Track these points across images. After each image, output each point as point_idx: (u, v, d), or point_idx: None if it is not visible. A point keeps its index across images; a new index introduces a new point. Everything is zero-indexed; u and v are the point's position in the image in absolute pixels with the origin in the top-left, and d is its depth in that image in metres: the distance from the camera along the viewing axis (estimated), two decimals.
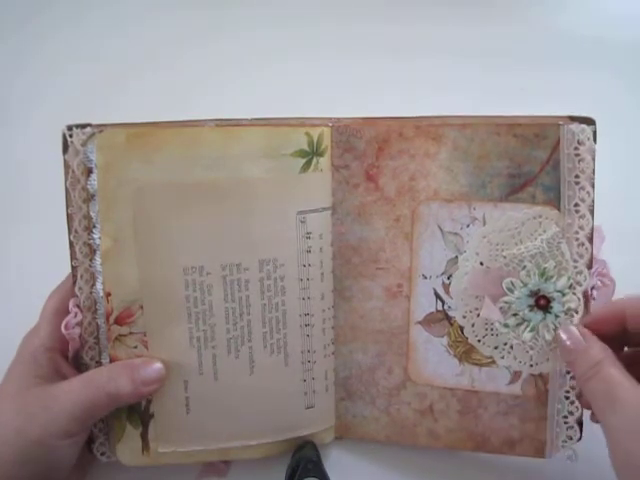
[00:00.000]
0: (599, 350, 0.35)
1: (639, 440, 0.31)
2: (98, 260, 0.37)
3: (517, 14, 0.57)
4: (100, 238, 0.37)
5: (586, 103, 0.50)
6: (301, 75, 0.53)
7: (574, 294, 0.37)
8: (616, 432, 0.32)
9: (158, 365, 0.37)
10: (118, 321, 0.38)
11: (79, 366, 0.39)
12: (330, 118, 0.40)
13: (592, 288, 0.38)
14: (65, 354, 0.38)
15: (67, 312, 0.38)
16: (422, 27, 0.55)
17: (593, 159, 0.37)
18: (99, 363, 0.38)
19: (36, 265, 0.47)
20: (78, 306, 0.37)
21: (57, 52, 0.54)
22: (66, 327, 0.37)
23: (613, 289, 0.40)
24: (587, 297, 0.38)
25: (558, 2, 0.57)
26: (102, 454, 0.39)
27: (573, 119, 0.38)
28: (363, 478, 0.44)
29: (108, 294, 0.37)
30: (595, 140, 0.37)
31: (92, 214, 0.37)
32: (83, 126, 0.37)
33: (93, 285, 0.38)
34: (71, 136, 0.36)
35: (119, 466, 0.40)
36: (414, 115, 0.40)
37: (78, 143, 0.36)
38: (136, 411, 0.38)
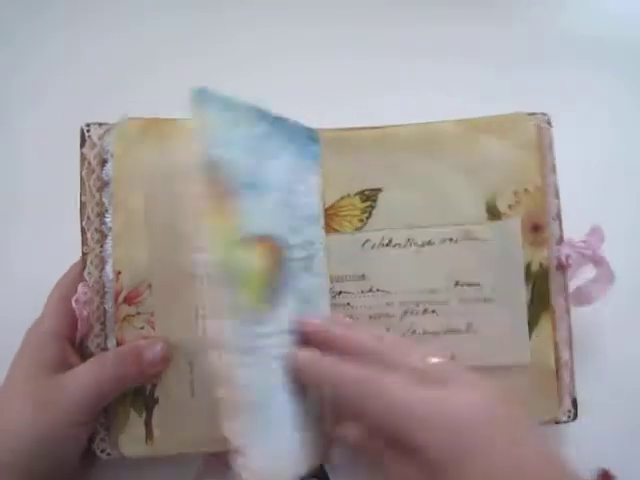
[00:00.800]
0: None
1: None
2: (109, 243, 0.39)
3: (517, 14, 0.57)
4: (112, 221, 0.39)
5: (586, 103, 0.51)
6: (300, 75, 0.54)
7: None
8: None
9: (163, 345, 0.39)
10: (127, 300, 0.39)
11: (84, 354, 0.40)
12: None
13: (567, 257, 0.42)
14: (72, 341, 0.40)
15: (71, 299, 0.38)
16: (422, 27, 0.56)
17: None
18: (105, 350, 0.39)
19: (35, 264, 0.48)
20: (87, 286, 0.39)
21: (56, 52, 0.54)
22: (76, 302, 0.38)
23: (610, 278, 0.43)
24: (563, 266, 0.42)
25: (558, 2, 0.58)
26: (102, 451, 0.40)
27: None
28: (363, 478, 0.44)
29: (118, 273, 0.39)
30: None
31: (104, 200, 0.39)
32: (100, 124, 0.40)
33: (102, 269, 0.39)
34: (89, 131, 0.40)
35: (119, 466, 0.41)
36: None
37: (96, 137, 0.39)
38: (141, 395, 0.39)
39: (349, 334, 0.35)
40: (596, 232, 0.43)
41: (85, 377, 0.37)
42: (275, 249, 0.37)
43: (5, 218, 0.50)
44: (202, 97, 0.34)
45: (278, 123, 0.40)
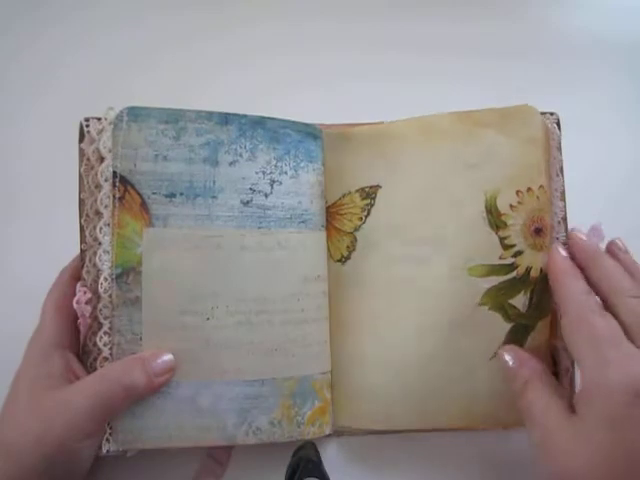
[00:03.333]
0: (528, 369, 0.39)
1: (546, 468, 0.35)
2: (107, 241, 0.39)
3: (517, 14, 0.58)
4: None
5: (586, 103, 0.52)
6: (300, 73, 0.55)
7: None
8: (536, 453, 0.36)
9: (168, 356, 0.39)
10: None
11: (87, 355, 0.40)
12: None
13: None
14: (74, 349, 0.40)
15: (68, 307, 0.39)
16: (422, 27, 0.57)
17: None
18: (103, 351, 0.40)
19: (33, 262, 0.49)
20: (85, 286, 0.39)
21: (55, 49, 0.55)
22: (77, 302, 0.39)
23: None
24: None
25: (558, 1, 0.59)
26: (107, 451, 0.39)
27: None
28: (363, 478, 0.46)
29: None
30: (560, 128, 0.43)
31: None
32: (98, 119, 0.40)
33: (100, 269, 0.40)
34: (87, 126, 0.40)
35: (118, 466, 0.42)
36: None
37: (94, 132, 0.40)
38: None
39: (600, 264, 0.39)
40: (595, 231, 0.42)
41: (92, 387, 0.37)
42: (216, 249, 0.41)
43: (3, 214, 0.51)
44: (126, 116, 0.39)
45: (257, 126, 0.42)
